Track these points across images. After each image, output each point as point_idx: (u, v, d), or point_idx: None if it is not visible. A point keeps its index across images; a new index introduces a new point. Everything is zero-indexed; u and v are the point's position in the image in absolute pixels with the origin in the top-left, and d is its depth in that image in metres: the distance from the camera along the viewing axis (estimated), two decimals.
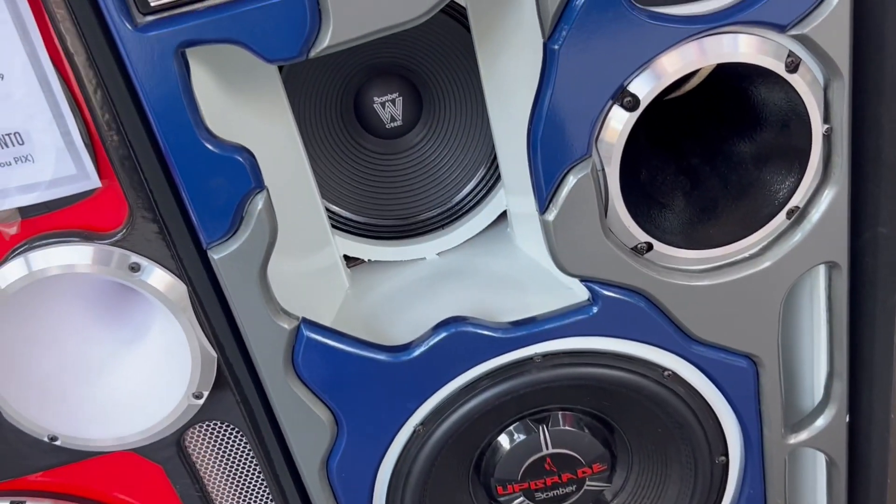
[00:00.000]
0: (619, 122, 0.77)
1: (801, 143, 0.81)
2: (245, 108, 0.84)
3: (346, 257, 1.07)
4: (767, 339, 0.91)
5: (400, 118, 1.04)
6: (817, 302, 0.92)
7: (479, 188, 1.07)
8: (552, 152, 0.78)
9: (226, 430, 0.94)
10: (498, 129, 0.98)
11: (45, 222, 0.79)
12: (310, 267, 1.00)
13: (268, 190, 0.77)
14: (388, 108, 1.03)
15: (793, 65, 0.77)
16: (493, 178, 1.07)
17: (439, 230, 1.08)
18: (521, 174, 0.85)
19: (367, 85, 1.02)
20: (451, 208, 1.08)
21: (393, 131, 1.05)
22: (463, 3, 0.95)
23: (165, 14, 0.68)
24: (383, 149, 1.06)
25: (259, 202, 0.76)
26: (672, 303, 0.87)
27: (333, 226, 1.05)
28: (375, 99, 1.03)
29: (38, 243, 0.79)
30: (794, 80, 0.78)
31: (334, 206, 1.06)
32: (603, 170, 0.80)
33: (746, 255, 0.87)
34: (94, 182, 0.76)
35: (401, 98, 1.03)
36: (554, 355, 0.90)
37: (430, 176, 1.07)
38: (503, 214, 1.08)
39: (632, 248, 0.85)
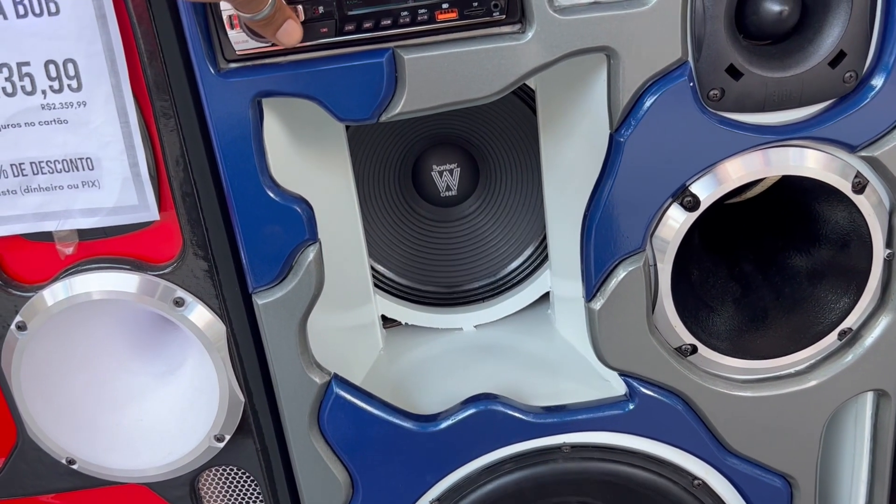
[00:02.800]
0: (676, 221, 0.77)
1: (861, 265, 0.80)
2: (310, 160, 0.86)
3: (383, 318, 1.07)
4: (806, 461, 0.88)
5: (455, 188, 1.05)
6: (861, 429, 0.89)
7: (524, 266, 1.07)
8: (606, 241, 0.78)
9: (241, 477, 0.93)
10: (552, 210, 0.99)
11: (100, 247, 0.80)
12: (347, 322, 1.00)
13: (320, 243, 0.78)
14: (446, 177, 1.05)
15: (860, 186, 0.76)
16: (540, 257, 1.06)
17: (480, 302, 1.08)
18: (569, 258, 0.85)
19: (428, 152, 1.04)
20: (495, 282, 1.08)
21: (447, 200, 1.06)
22: (532, 86, 0.96)
23: (248, 63, 0.70)
24: (435, 216, 1.07)
25: (310, 254, 0.77)
26: (711, 410, 0.84)
27: (376, 284, 1.05)
28: (434, 167, 1.04)
29: (91, 266, 0.80)
30: (860, 201, 0.77)
31: (380, 266, 1.06)
32: (655, 265, 0.79)
33: (792, 371, 0.85)
34: (153, 214, 0.78)
35: (459, 169, 1.04)
36: (583, 447, 0.88)
37: (478, 248, 1.07)
38: (546, 295, 1.07)
39: (675, 349, 0.83)
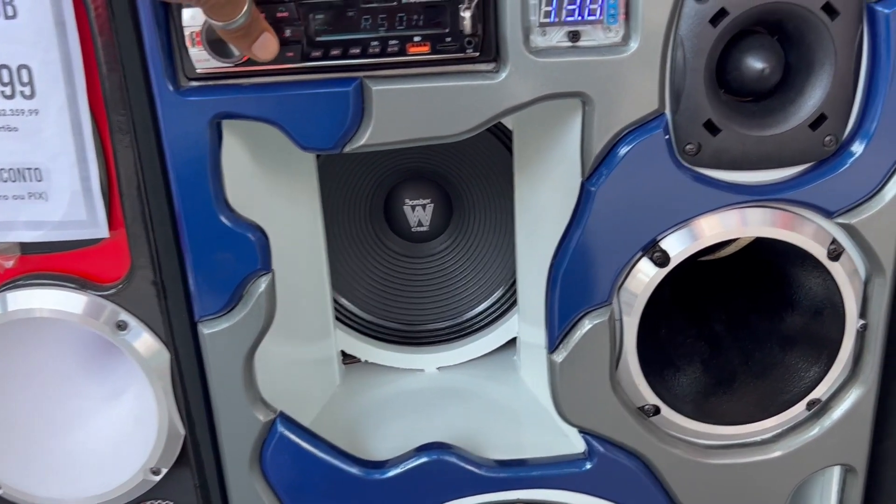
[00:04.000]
0: (645, 276, 0.74)
1: (833, 335, 0.77)
2: (273, 185, 0.83)
3: (343, 353, 1.03)
4: None
5: (427, 224, 1.02)
6: None
7: (492, 309, 1.04)
8: (572, 292, 0.75)
9: None
10: (523, 254, 0.96)
11: (43, 262, 0.77)
12: (304, 355, 0.96)
13: (273, 273, 0.75)
14: (418, 211, 1.02)
15: (835, 253, 0.74)
16: (509, 301, 1.03)
17: (444, 344, 1.04)
18: (538, 304, 0.82)
19: (403, 185, 1.01)
20: (460, 324, 1.04)
21: (418, 235, 1.03)
22: (510, 127, 0.94)
23: (210, 83, 0.67)
24: (405, 251, 1.04)
25: (261, 285, 0.74)
26: (671, 475, 0.81)
27: (337, 318, 1.02)
28: (407, 200, 1.02)
29: (32, 281, 0.77)
30: (835, 268, 0.74)
31: (343, 299, 1.03)
32: (621, 320, 0.77)
33: (758, 439, 0.82)
34: (102, 231, 0.74)
35: (432, 204, 1.02)
36: None
37: (446, 287, 1.04)
38: (513, 341, 1.04)
39: (638, 408, 0.80)
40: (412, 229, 1.02)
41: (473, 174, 1.00)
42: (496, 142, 0.98)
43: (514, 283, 1.02)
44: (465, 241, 1.03)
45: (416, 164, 1.00)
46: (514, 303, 1.02)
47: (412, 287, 1.04)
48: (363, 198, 1.01)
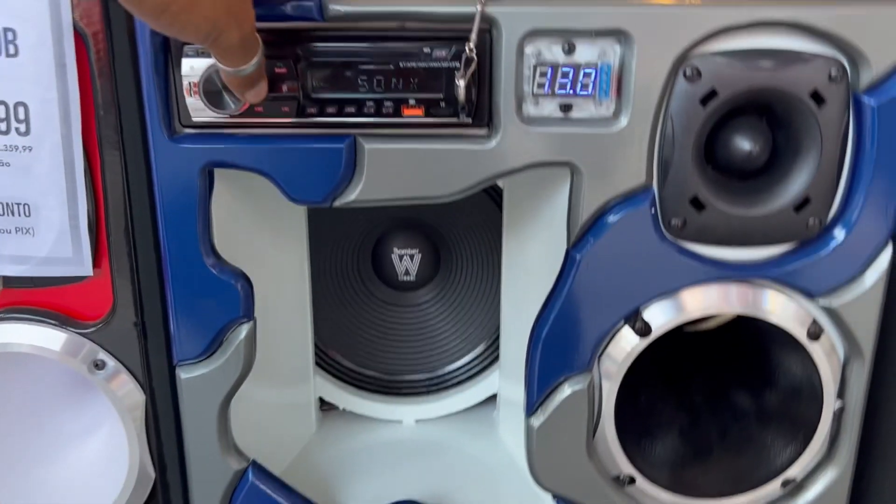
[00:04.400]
0: (626, 345, 0.74)
1: (810, 414, 0.77)
2: (262, 232, 0.83)
3: (321, 400, 1.02)
4: None
5: (414, 273, 1.03)
6: None
7: (474, 363, 1.04)
8: (553, 357, 0.75)
9: None
10: (507, 312, 0.96)
11: (26, 296, 0.76)
12: (281, 399, 0.95)
13: (255, 321, 0.74)
14: (405, 261, 1.02)
15: (815, 333, 0.74)
16: (491, 357, 1.03)
17: (423, 395, 1.04)
18: (521, 362, 0.82)
19: (392, 233, 1.01)
20: (441, 376, 1.04)
21: (404, 284, 1.03)
22: (501, 185, 0.95)
23: (204, 131, 0.68)
24: (390, 299, 1.04)
25: (242, 332, 0.74)
26: None
27: (317, 363, 1.01)
28: (395, 249, 1.02)
29: (12, 315, 0.76)
30: (814, 348, 0.75)
31: (324, 345, 1.02)
32: (601, 386, 0.77)
33: None
34: (86, 270, 0.74)
35: (420, 254, 1.02)
36: None
37: (429, 338, 1.04)
38: (494, 396, 1.03)
39: (613, 478, 0.79)
40: (399, 278, 1.03)
41: (463, 227, 1.01)
42: (486, 198, 0.98)
43: (497, 338, 1.01)
44: (450, 293, 1.04)
45: (407, 214, 1.00)
46: (496, 358, 1.02)
47: (395, 336, 1.04)
48: (352, 244, 1.01)
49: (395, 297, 1.04)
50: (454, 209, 1.00)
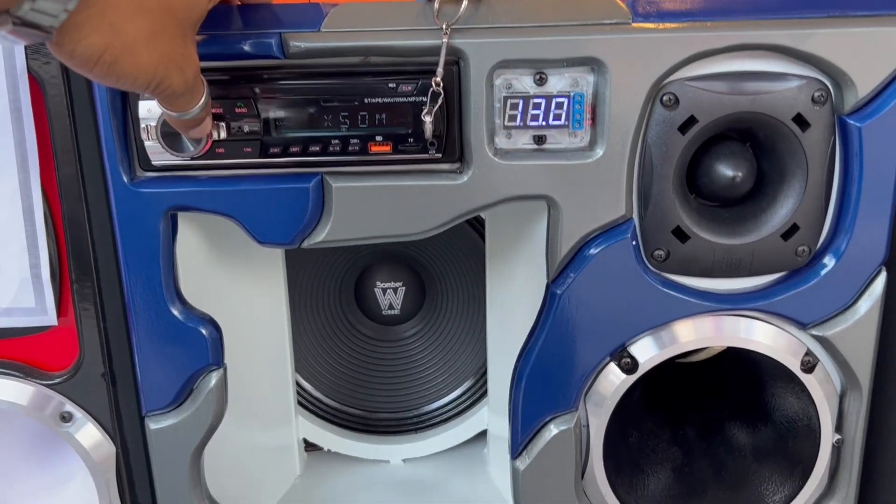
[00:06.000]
0: (613, 382, 0.71)
1: (808, 449, 0.74)
2: (233, 275, 0.81)
3: (305, 441, 0.99)
4: None
5: (398, 307, 1.00)
6: None
7: (461, 399, 1.01)
8: (536, 396, 0.72)
9: None
10: (493, 346, 0.93)
11: None
12: (263, 441, 0.92)
13: (226, 368, 0.72)
14: (389, 294, 0.99)
15: (809, 365, 0.71)
16: (479, 392, 1.00)
17: (410, 434, 1.00)
18: (508, 397, 0.79)
19: (375, 267, 0.99)
20: (428, 413, 1.01)
21: (388, 318, 1.00)
22: (483, 216, 0.92)
23: (165, 174, 0.66)
24: (374, 333, 1.01)
25: (212, 380, 0.71)
26: None
27: (300, 403, 0.98)
28: (379, 283, 0.99)
29: None
30: (809, 381, 0.72)
31: (306, 383, 0.99)
32: (588, 425, 0.73)
33: None
34: (50, 320, 0.72)
35: (404, 288, 0.99)
36: None
37: (414, 374, 1.01)
38: (483, 433, 1.00)
39: None
40: (383, 312, 1.00)
41: (447, 259, 0.98)
42: (470, 230, 0.96)
43: (485, 372, 0.98)
44: (436, 327, 1.01)
45: (390, 247, 0.98)
46: (485, 394, 0.99)
47: (380, 373, 1.01)
48: (334, 278, 0.99)
49: (379, 331, 1.01)
50: (438, 241, 0.97)
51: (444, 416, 1.00)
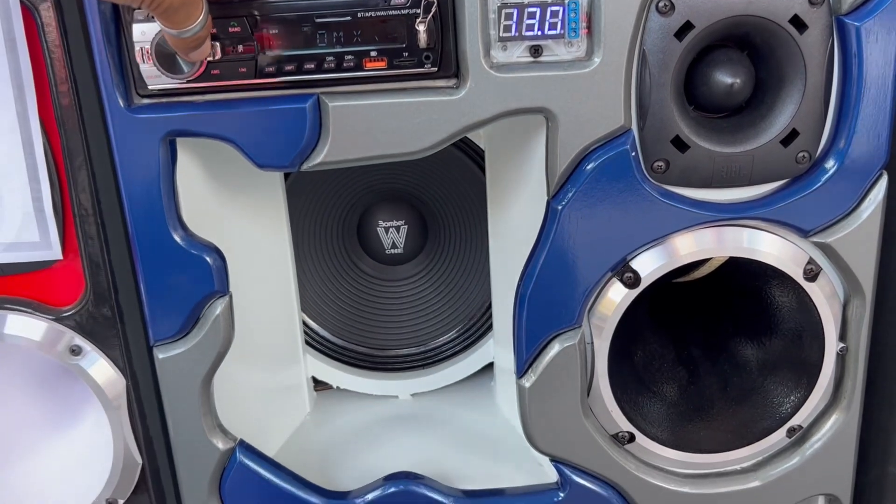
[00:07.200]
0: (615, 297, 0.72)
1: (812, 359, 0.74)
2: (234, 205, 0.81)
3: (314, 379, 1.00)
4: None
5: (402, 246, 1.00)
6: None
7: (467, 334, 1.01)
8: (539, 315, 0.73)
9: None
10: (496, 278, 0.93)
11: None
12: (272, 382, 0.93)
13: (231, 296, 0.72)
14: (392, 233, 1.00)
15: (811, 273, 0.71)
16: (484, 326, 1.01)
17: (418, 369, 1.01)
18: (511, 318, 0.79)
19: (377, 206, 0.99)
20: (435, 349, 1.02)
21: (392, 258, 1.01)
22: (483, 147, 0.92)
23: (163, 100, 0.66)
24: (378, 273, 1.01)
25: (218, 308, 0.71)
26: None
27: (308, 343, 0.99)
28: (381, 222, 0.99)
29: None
30: (812, 289, 0.72)
31: (313, 323, 1.00)
32: (592, 343, 0.74)
33: (737, 468, 0.78)
34: (55, 253, 0.72)
35: (406, 226, 1.00)
36: None
37: (420, 311, 1.02)
38: (490, 365, 1.01)
39: (612, 436, 0.77)
40: (386, 251, 1.00)
41: (448, 196, 0.98)
42: (470, 163, 0.96)
43: (489, 307, 0.99)
44: (440, 264, 1.01)
45: (391, 185, 0.98)
46: (490, 327, 0.99)
47: (386, 311, 1.02)
48: (336, 219, 0.99)
49: (383, 271, 1.02)
50: (438, 176, 0.97)
51: (451, 351, 1.01)
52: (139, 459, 0.78)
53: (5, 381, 0.80)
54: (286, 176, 0.92)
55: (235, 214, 0.81)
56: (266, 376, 0.91)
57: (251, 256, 0.83)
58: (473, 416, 0.96)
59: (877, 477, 0.78)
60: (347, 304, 1.01)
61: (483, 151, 0.93)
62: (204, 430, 0.75)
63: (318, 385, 1.01)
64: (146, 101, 0.66)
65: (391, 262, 1.01)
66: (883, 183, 0.69)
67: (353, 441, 0.93)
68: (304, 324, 0.99)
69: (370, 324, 1.01)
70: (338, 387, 1.01)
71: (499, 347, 0.97)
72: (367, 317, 1.01)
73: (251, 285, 0.81)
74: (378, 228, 0.99)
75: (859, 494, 0.79)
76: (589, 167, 0.67)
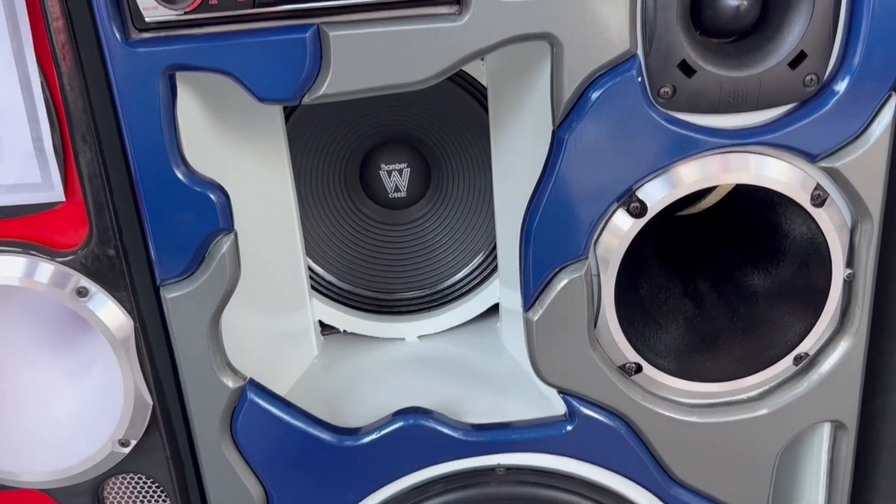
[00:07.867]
0: (622, 228, 0.71)
1: (819, 285, 0.74)
2: (236, 143, 0.80)
3: (321, 323, 1.00)
4: (756, 495, 0.82)
5: (405, 189, 1.00)
6: (816, 462, 0.83)
7: (473, 275, 1.01)
8: (546, 247, 0.72)
9: (149, 487, 0.86)
10: (501, 216, 0.93)
11: None
12: (279, 326, 0.93)
13: (236, 234, 0.72)
14: (395, 177, 0.99)
15: (819, 199, 0.71)
16: (489, 267, 1.01)
17: (424, 312, 1.02)
18: (518, 268, 0.79)
19: (378, 150, 0.98)
20: (440, 291, 1.02)
21: (395, 201, 1.00)
22: (486, 84, 0.91)
23: (161, 33, 0.65)
24: (382, 217, 1.01)
25: (224, 245, 0.71)
26: (655, 435, 0.78)
27: (313, 287, 0.99)
28: (383, 165, 0.99)
29: None
30: (819, 215, 0.71)
31: (318, 268, 1.00)
32: (598, 275, 0.74)
33: (744, 396, 0.79)
34: (57, 195, 0.72)
35: (409, 169, 0.99)
36: (519, 470, 0.82)
37: (425, 254, 1.01)
38: (495, 306, 1.01)
39: (619, 367, 0.77)
40: (389, 195, 1.00)
41: (451, 136, 0.97)
42: (472, 101, 0.95)
43: (494, 248, 0.99)
44: (444, 207, 1.01)
45: (393, 127, 0.97)
46: (496, 268, 0.99)
47: (390, 255, 1.02)
48: (337, 162, 0.98)
49: (387, 215, 1.01)
50: (440, 116, 0.96)
51: (457, 293, 1.01)
52: (150, 400, 0.78)
53: (14, 326, 0.80)
54: (287, 118, 0.91)
55: (236, 153, 0.80)
56: (273, 321, 0.92)
57: (252, 197, 0.82)
58: (480, 357, 0.97)
59: (882, 405, 0.79)
60: (352, 249, 1.00)
61: (485, 89, 0.92)
62: (214, 370, 0.75)
63: (325, 329, 1.02)
64: (144, 34, 0.65)
65: (395, 207, 1.00)
66: (892, 105, 0.68)
67: (362, 382, 0.93)
68: (310, 269, 0.99)
69: (376, 268, 1.01)
70: (345, 330, 1.01)
71: (504, 288, 0.97)
72: (373, 261, 1.01)
73: (255, 228, 0.81)
74: (380, 172, 0.99)
75: (865, 421, 0.79)
76: (594, 95, 0.67)
